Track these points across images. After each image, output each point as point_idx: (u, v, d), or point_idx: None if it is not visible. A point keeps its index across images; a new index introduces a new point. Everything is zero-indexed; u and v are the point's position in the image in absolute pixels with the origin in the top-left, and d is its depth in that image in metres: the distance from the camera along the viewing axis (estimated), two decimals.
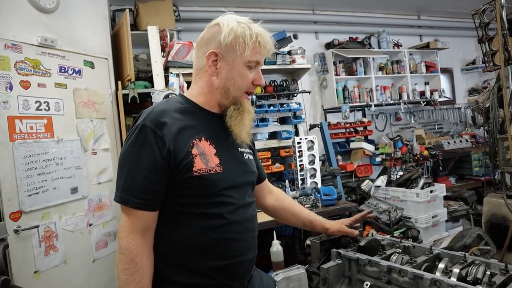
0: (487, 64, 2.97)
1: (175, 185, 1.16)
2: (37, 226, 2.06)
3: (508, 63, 2.77)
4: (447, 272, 1.18)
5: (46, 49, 2.26)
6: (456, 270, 1.16)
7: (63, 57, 2.37)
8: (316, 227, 1.53)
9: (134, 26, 3.44)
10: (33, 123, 2.13)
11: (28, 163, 2.05)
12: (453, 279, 1.13)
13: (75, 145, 2.38)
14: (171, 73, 3.08)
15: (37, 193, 2.08)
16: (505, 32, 2.71)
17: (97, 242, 2.49)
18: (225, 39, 1.19)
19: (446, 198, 3.98)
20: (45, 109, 2.20)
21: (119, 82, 2.79)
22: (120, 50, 3.04)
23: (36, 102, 2.15)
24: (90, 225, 2.44)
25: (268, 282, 1.47)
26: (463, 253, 1.28)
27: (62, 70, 2.36)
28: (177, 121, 1.19)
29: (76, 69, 2.46)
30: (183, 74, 3.11)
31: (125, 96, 2.81)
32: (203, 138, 1.21)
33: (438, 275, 1.17)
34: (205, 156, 1.18)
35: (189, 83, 3.23)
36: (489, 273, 1.15)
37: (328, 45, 4.79)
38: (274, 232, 2.76)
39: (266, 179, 1.62)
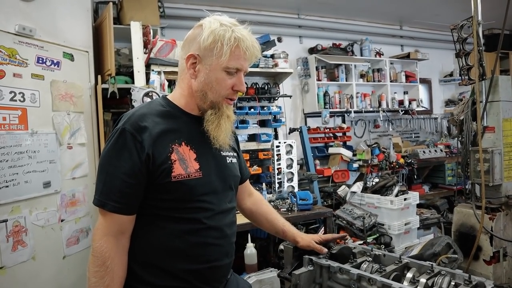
0: (463, 78, 3.05)
1: (154, 189, 1.15)
2: (5, 220, 1.99)
3: (483, 78, 2.85)
4: (414, 282, 1.22)
5: (23, 38, 2.19)
6: (423, 280, 1.20)
7: (41, 47, 2.31)
8: (288, 238, 1.53)
9: (117, 20, 3.38)
10: (6, 114, 2.06)
11: None
12: None
13: (50, 138, 2.32)
14: (153, 70, 3.04)
15: (7, 186, 2.02)
16: (481, 48, 2.79)
17: (69, 238, 2.44)
18: (204, 41, 1.16)
19: (419, 205, 4.08)
20: (20, 100, 2.14)
21: (99, 76, 2.73)
22: (101, 43, 2.98)
23: (10, 92, 2.09)
24: (62, 220, 2.38)
25: (244, 287, 1.46)
26: (430, 263, 1.31)
27: (40, 61, 2.29)
28: (157, 125, 1.17)
29: (55, 61, 2.40)
30: (165, 72, 3.08)
31: (104, 90, 2.76)
32: (183, 143, 1.19)
33: (405, 284, 1.21)
34: (184, 162, 1.17)
35: (170, 81, 3.20)
36: (453, 283, 1.18)
37: (312, 50, 4.83)
38: (249, 234, 2.76)
39: (248, 180, 1.61)
